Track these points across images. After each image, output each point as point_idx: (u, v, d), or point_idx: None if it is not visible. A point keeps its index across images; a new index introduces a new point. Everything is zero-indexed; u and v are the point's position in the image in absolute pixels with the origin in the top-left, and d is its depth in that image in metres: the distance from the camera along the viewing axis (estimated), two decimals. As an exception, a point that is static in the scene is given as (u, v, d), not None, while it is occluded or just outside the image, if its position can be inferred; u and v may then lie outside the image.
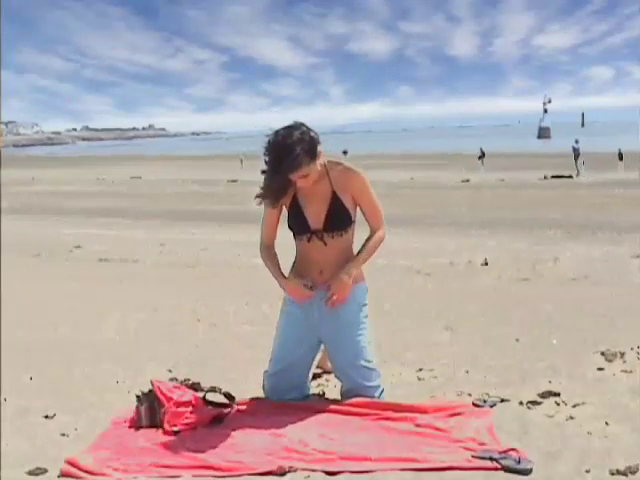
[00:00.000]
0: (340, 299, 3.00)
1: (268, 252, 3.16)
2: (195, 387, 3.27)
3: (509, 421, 2.91)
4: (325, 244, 3.02)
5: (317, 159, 2.91)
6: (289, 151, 2.80)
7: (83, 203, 18.47)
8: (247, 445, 2.75)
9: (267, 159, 2.86)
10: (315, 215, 3.00)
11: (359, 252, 3.08)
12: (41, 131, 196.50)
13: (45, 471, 2.62)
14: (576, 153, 27.44)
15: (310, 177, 2.91)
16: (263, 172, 2.95)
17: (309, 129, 2.89)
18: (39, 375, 3.73)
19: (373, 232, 3.11)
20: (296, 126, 2.87)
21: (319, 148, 2.91)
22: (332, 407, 3.04)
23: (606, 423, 2.86)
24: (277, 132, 2.85)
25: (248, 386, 3.36)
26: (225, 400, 3.07)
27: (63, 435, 2.95)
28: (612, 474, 2.45)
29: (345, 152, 30.04)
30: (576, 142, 28.04)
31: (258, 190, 3.01)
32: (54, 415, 3.15)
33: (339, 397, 3.17)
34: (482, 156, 31.12)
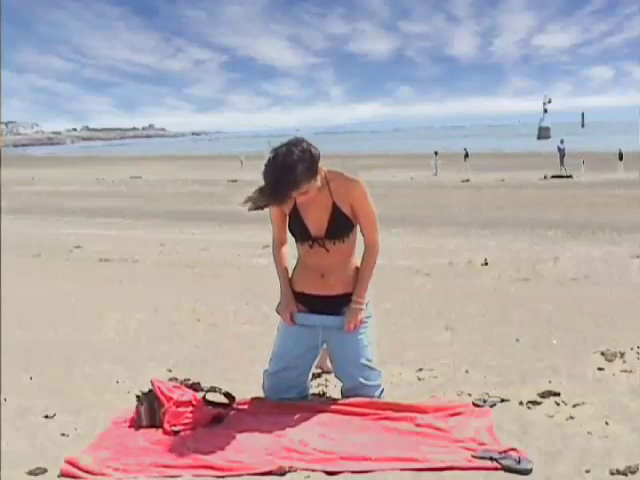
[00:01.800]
0: (357, 325, 3.03)
1: (279, 253, 3.19)
2: (195, 387, 3.27)
3: (509, 421, 2.91)
4: (327, 250, 3.02)
5: (317, 175, 2.89)
6: (289, 171, 2.74)
7: (83, 203, 18.48)
8: (247, 445, 2.75)
9: (266, 178, 2.78)
10: (316, 224, 3.00)
11: (360, 278, 3.07)
12: (41, 131, 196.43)
13: (45, 471, 2.62)
14: (561, 153, 27.74)
15: (310, 193, 2.90)
16: (262, 189, 2.87)
17: (309, 145, 2.83)
18: (39, 375, 3.73)
19: (368, 244, 3.10)
20: (296, 143, 2.80)
21: (319, 164, 2.89)
22: (332, 407, 3.04)
23: (606, 423, 2.86)
24: (276, 151, 2.78)
25: (248, 386, 3.36)
26: (225, 400, 3.07)
27: (63, 435, 2.95)
28: (612, 474, 2.45)
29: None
30: (561, 142, 28.55)
31: (250, 198, 2.93)
32: (54, 415, 3.16)
33: (339, 397, 3.17)
34: (466, 156, 31.43)
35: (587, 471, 2.48)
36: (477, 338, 4.22)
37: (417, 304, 5.27)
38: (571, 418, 2.92)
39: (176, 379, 3.46)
